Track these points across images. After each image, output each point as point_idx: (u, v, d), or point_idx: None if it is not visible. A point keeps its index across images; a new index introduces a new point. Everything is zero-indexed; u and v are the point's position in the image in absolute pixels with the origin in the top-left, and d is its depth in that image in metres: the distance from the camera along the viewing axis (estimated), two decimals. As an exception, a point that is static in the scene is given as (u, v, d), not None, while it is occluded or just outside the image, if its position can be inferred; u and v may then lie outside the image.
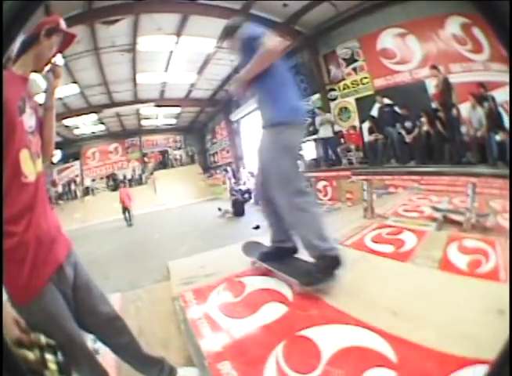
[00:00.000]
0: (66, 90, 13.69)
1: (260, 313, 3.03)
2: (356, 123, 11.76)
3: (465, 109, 8.38)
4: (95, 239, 9.70)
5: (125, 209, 14.30)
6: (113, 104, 16.80)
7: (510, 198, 4.82)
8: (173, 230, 10.73)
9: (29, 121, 1.71)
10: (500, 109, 7.76)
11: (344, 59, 11.68)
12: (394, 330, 2.51)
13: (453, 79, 8.58)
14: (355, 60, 11.43)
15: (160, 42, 12.07)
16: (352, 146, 11.39)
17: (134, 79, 14.87)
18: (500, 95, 7.82)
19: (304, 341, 2.56)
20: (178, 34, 11.69)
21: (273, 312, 3.01)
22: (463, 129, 8.37)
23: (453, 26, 8.97)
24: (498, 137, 7.40)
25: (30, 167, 1.65)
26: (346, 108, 12.01)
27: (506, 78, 7.45)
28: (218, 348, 2.59)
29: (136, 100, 17.01)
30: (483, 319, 2.53)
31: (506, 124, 7.67)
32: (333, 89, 12.23)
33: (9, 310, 1.54)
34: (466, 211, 5.07)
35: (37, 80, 2.16)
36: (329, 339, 2.54)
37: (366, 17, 10.65)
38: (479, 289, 3.10)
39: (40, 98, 1.93)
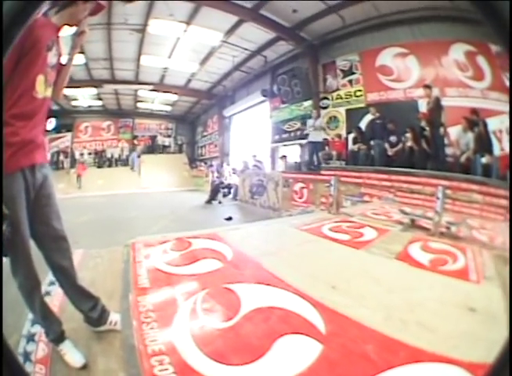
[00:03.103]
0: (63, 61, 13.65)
1: (195, 265, 3.28)
2: (343, 132, 11.80)
3: (455, 131, 8.47)
4: (74, 210, 9.58)
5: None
6: (114, 81, 16.77)
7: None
8: (150, 211, 10.84)
9: (52, 59, 2.10)
10: (492, 135, 7.82)
11: (342, 71, 11.76)
12: (330, 303, 2.52)
13: (447, 102, 8.65)
14: (353, 73, 11.50)
15: (169, 28, 12.04)
16: (334, 153, 11.36)
17: (138, 60, 14.82)
18: (495, 123, 7.86)
19: (228, 292, 2.70)
20: (188, 22, 11.66)
21: (208, 265, 3.27)
22: (449, 150, 8.49)
23: (457, 52, 8.97)
24: (484, 160, 7.54)
25: (41, 88, 2.02)
26: (335, 117, 12.09)
27: (503, 108, 7.72)
28: (146, 284, 2.86)
29: (136, 81, 16.98)
30: (446, 312, 2.53)
31: (496, 149, 7.79)
32: (327, 98, 12.29)
33: None
34: (435, 215, 5.02)
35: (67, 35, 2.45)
36: (253, 296, 2.65)
37: (372, 33, 10.73)
38: (443, 284, 3.10)
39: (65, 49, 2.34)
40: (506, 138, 7.83)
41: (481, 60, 8.53)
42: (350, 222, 5.53)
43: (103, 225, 8.20)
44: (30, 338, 2.27)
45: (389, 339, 2.16)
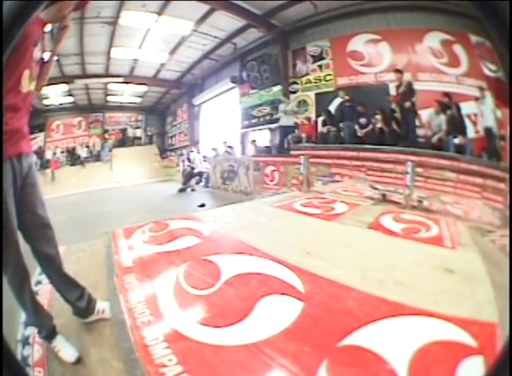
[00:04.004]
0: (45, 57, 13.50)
1: (174, 242, 3.39)
2: (312, 115, 11.88)
3: (427, 113, 8.71)
4: (51, 211, 9.39)
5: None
6: (85, 75, 16.39)
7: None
8: (124, 205, 10.84)
9: (37, 54, 2.13)
10: (466, 119, 8.18)
11: (312, 56, 11.77)
12: (306, 266, 2.62)
13: (419, 86, 8.88)
14: (323, 58, 11.51)
15: (141, 19, 11.92)
16: (304, 136, 11.42)
17: (108, 53, 14.55)
18: (469, 107, 8.26)
19: (208, 263, 2.82)
20: (160, 13, 11.55)
21: (186, 242, 3.38)
22: (421, 131, 8.73)
23: (432, 40, 9.12)
24: (457, 140, 7.90)
25: (26, 83, 2.06)
26: (305, 101, 12.11)
27: (477, 93, 8.17)
28: (129, 264, 2.95)
29: (107, 74, 16.68)
30: (423, 272, 2.65)
31: (470, 132, 8.22)
32: (296, 83, 12.32)
33: None
34: (405, 189, 5.09)
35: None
36: (232, 264, 2.77)
37: (344, 20, 10.75)
38: (417, 249, 3.21)
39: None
40: (480, 121, 8.17)
41: (457, 48, 8.78)
42: (321, 198, 5.61)
43: (81, 222, 8.16)
44: (25, 341, 2.29)
45: (368, 295, 2.24)
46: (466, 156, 7.44)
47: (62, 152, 19.75)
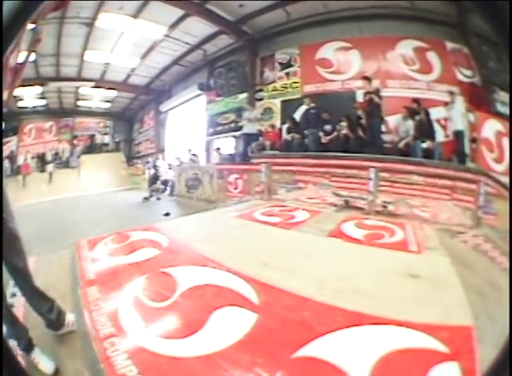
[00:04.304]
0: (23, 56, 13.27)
1: (134, 255, 3.43)
2: (277, 123, 11.81)
3: (395, 119, 8.90)
4: (21, 219, 9.18)
5: None
6: (59, 78, 15.97)
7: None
8: (92, 213, 10.69)
9: (13, 60, 2.03)
10: (435, 123, 8.40)
11: (280, 64, 11.75)
12: (262, 278, 2.64)
13: (388, 93, 9.05)
14: (291, 65, 11.50)
15: (117, 22, 11.75)
16: (267, 144, 11.32)
17: (82, 55, 14.24)
18: (440, 112, 8.53)
19: (165, 276, 2.86)
20: (136, 16, 11.41)
21: (146, 254, 3.41)
22: (387, 137, 8.86)
23: (405, 48, 9.29)
24: (425, 145, 8.05)
25: None
26: (270, 108, 12.07)
27: (447, 99, 8.42)
28: (92, 276, 3.00)
29: (79, 78, 16.29)
30: (385, 279, 2.65)
31: (440, 136, 8.47)
32: (262, 90, 12.26)
33: None
34: (369, 194, 5.12)
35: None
36: (188, 276, 2.81)
37: (315, 29, 10.75)
38: (380, 255, 3.22)
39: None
40: (450, 125, 8.41)
41: (431, 56, 9.02)
42: (282, 206, 5.63)
43: (51, 232, 7.94)
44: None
45: (325, 306, 2.23)
46: (432, 160, 7.61)
47: (32, 158, 19.37)
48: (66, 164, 19.97)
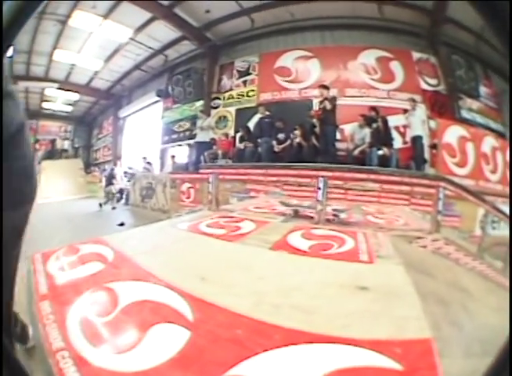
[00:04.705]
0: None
1: (82, 268, 3.47)
2: (231, 131, 11.71)
3: (350, 127, 9.05)
4: None
5: None
6: (28, 77, 15.27)
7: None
8: (49, 223, 9.91)
9: None
10: (393, 130, 8.64)
11: (239, 71, 11.69)
12: (198, 293, 2.64)
13: (346, 101, 9.24)
14: (249, 73, 11.46)
15: (88, 21, 11.52)
16: (220, 152, 11.26)
17: (51, 54, 13.85)
18: (399, 120, 8.82)
19: (108, 291, 2.88)
20: (106, 16, 11.23)
21: (92, 268, 3.45)
22: (343, 145, 9.05)
23: (367, 57, 9.47)
24: (381, 152, 8.18)
25: None
26: (225, 117, 11.97)
27: (408, 106, 8.70)
28: (45, 291, 3.02)
29: (46, 78, 15.75)
30: (329, 293, 2.59)
31: (397, 142, 8.72)
32: (218, 98, 12.16)
33: None
34: (317, 204, 5.12)
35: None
36: (128, 292, 2.83)
37: (278, 37, 10.78)
38: (326, 267, 3.17)
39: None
40: (409, 132, 8.71)
41: (394, 65, 9.25)
42: (229, 217, 5.62)
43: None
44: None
45: (260, 323, 2.21)
46: (386, 168, 7.64)
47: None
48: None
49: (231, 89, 11.82)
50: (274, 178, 8.17)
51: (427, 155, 8.47)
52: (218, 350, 2.02)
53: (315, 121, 9.06)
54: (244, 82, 11.51)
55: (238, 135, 11.05)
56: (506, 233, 5.80)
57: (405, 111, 8.68)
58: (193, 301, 2.50)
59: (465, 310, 2.58)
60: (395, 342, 1.87)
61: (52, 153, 20.26)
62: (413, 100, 8.55)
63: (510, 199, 5.27)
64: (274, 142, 9.64)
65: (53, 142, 20.49)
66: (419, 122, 8.42)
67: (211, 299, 2.52)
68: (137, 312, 2.52)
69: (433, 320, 2.15)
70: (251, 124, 10.73)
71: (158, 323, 2.32)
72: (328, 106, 8.53)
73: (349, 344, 1.88)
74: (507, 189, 7.49)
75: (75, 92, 17.37)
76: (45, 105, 18.81)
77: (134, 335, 2.27)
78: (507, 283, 4.26)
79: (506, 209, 5.78)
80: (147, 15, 11.00)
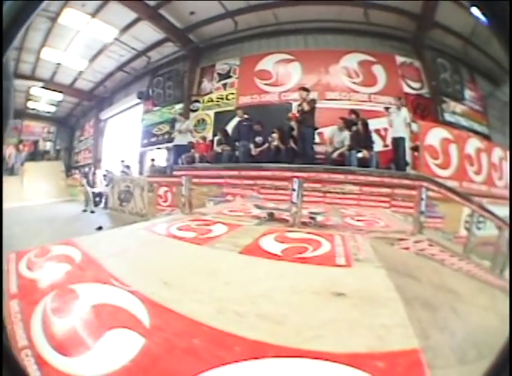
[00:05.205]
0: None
1: (50, 269, 3.52)
2: (209, 135, 11.66)
3: (330, 130, 9.11)
4: None
5: None
6: (17, 75, 14.89)
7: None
8: (29, 226, 9.82)
9: None
10: (374, 134, 8.73)
11: (219, 74, 11.65)
12: (158, 298, 2.57)
13: (325, 104, 9.27)
14: (229, 76, 11.42)
15: (76, 19, 11.50)
16: (197, 156, 11.21)
17: (39, 52, 13.77)
18: (380, 123, 8.86)
19: (71, 292, 2.88)
20: (94, 15, 11.21)
21: (60, 269, 3.45)
22: (321, 148, 9.11)
23: (350, 61, 9.49)
24: (360, 154, 8.27)
25: None
26: (204, 120, 11.89)
27: (390, 110, 8.77)
28: (15, 290, 3.06)
29: (33, 76, 15.63)
30: (300, 301, 2.45)
31: (377, 146, 8.79)
32: (198, 101, 12.10)
33: None
34: (292, 206, 5.13)
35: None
36: (90, 294, 2.82)
37: (261, 40, 10.78)
38: (298, 272, 3.04)
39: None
40: (390, 134, 8.77)
41: (377, 69, 9.32)
42: (201, 220, 5.54)
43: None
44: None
45: (221, 333, 2.08)
46: (364, 168, 7.57)
47: (-20, 163, 18.58)
48: (11, 172, 19.30)
49: (211, 92, 11.77)
50: (250, 182, 8.11)
51: (408, 158, 8.51)
52: (171, 361, 1.93)
53: (293, 123, 9.11)
54: (224, 85, 11.48)
55: (216, 139, 10.99)
56: (492, 232, 5.89)
57: (387, 109, 8.73)
58: (152, 307, 2.44)
59: (455, 313, 2.48)
60: (377, 355, 1.68)
61: (35, 155, 20.22)
62: (399, 99, 8.64)
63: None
64: (252, 146, 9.62)
65: (36, 143, 20.40)
66: (402, 123, 8.42)
67: (171, 305, 2.44)
68: (96, 315, 2.51)
69: (420, 327, 2.02)
70: (230, 128, 10.73)
71: (114, 328, 2.29)
72: (306, 107, 8.56)
73: (321, 358, 1.70)
74: (493, 190, 7.64)
75: (59, 92, 17.24)
76: (29, 104, 18.72)
77: (89, 339, 2.27)
78: (497, 282, 4.25)
79: (494, 209, 5.84)
80: (133, 15, 11.00)
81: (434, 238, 5.05)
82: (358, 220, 5.83)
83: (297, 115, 8.87)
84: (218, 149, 10.55)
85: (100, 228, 8.35)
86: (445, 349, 1.88)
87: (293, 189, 5.20)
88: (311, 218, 5.17)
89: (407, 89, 9.13)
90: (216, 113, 11.49)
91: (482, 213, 5.84)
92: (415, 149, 8.32)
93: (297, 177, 5.35)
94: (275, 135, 9.11)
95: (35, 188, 18.00)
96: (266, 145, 9.41)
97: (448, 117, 8.97)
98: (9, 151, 19.42)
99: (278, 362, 1.74)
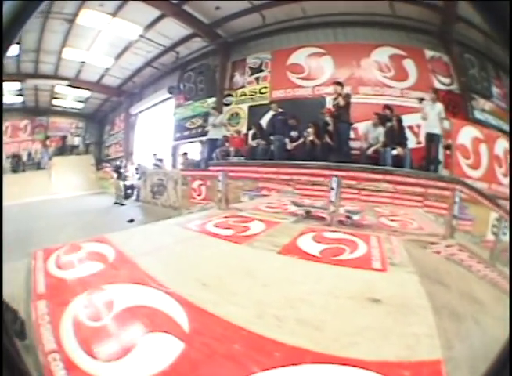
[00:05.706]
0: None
1: (82, 268, 3.33)
2: (243, 128, 11.71)
3: (364, 126, 8.98)
4: None
5: None
6: (37, 75, 15.71)
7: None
8: (57, 219, 10.52)
9: None
10: (407, 130, 8.51)
11: (251, 68, 11.67)
12: (197, 301, 2.47)
13: (359, 99, 9.16)
14: (261, 70, 11.44)
15: (96, 19, 11.69)
16: (232, 150, 11.25)
17: (60, 52, 14.14)
18: (413, 119, 8.64)
19: (105, 293, 2.75)
20: (114, 14, 11.36)
21: (92, 268, 3.31)
22: (356, 144, 8.98)
23: (380, 55, 9.37)
24: (395, 152, 8.07)
25: None
26: (237, 114, 11.96)
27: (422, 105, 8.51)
28: (42, 289, 2.88)
29: (56, 76, 16.05)
30: (338, 306, 2.41)
31: (411, 142, 8.58)
32: (231, 95, 12.16)
33: None
34: (330, 205, 4.99)
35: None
36: (125, 295, 2.67)
37: (289, 34, 10.77)
38: (336, 275, 2.99)
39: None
40: (424, 128, 8.49)
41: (407, 63, 9.14)
42: (238, 216, 5.46)
43: (17, 238, 7.97)
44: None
45: (261, 338, 2.01)
46: (401, 169, 7.60)
47: (7, 157, 19.02)
48: (38, 166, 19.67)
49: (243, 86, 11.81)
50: (286, 177, 8.17)
51: (440, 156, 8.30)
52: (211, 366, 1.86)
53: (328, 118, 9.00)
54: (257, 79, 11.49)
55: (250, 133, 10.99)
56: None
57: (422, 100, 8.50)
58: (191, 310, 2.33)
59: (476, 324, 2.40)
60: (404, 364, 1.70)
61: (63, 150, 20.55)
62: (436, 91, 8.48)
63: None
64: (287, 140, 9.57)
65: (64, 138, 20.72)
66: (436, 118, 8.17)
67: (210, 308, 2.34)
68: (131, 318, 2.39)
69: (445, 337, 1.96)
70: (264, 122, 10.69)
71: (152, 332, 2.19)
72: (341, 102, 8.47)
73: (356, 366, 1.68)
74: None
75: (86, 89, 17.59)
76: (55, 102, 19.04)
77: (125, 343, 2.13)
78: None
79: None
80: (156, 12, 11.07)
81: (464, 243, 4.92)
82: (392, 220, 5.64)
83: (333, 110, 8.78)
84: (252, 143, 10.56)
85: (132, 220, 8.49)
86: (463, 361, 1.80)
87: (332, 188, 5.08)
88: (348, 217, 5.06)
89: (438, 85, 8.89)
90: (250, 107, 11.52)
91: (507, 218, 5.67)
92: (447, 147, 8.14)
93: (335, 176, 5.27)
94: (310, 130, 9.03)
95: (64, 181, 18.25)
96: (301, 140, 9.32)
97: (477, 114, 8.68)
98: (34, 147, 20.00)
99: (315, 368, 1.72)
